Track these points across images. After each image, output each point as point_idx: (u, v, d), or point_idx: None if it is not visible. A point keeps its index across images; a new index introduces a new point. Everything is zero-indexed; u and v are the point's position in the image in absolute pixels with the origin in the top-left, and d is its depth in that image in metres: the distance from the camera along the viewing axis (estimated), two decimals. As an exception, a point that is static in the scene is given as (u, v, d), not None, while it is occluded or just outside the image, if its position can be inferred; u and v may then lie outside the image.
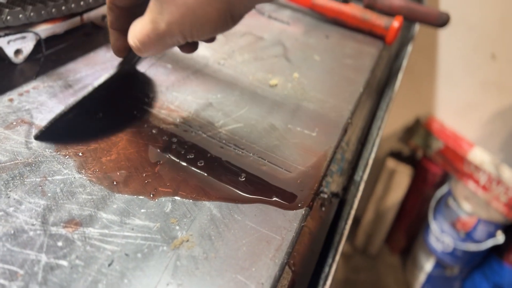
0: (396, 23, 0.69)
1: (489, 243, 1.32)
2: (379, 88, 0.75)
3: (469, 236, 1.33)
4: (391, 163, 1.55)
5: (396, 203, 1.60)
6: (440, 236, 1.40)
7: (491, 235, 1.32)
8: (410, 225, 1.63)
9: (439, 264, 1.45)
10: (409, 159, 1.58)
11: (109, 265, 0.31)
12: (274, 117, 0.49)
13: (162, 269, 0.31)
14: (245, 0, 0.31)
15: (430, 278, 1.50)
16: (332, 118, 0.51)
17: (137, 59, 0.46)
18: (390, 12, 0.74)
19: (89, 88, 0.41)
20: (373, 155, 0.56)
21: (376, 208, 1.64)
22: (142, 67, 0.53)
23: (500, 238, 1.31)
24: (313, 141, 0.47)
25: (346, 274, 1.63)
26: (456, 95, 1.39)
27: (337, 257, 0.45)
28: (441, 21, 0.74)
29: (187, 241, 0.34)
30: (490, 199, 1.31)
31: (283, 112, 0.50)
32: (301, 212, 0.38)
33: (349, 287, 1.58)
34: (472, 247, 1.34)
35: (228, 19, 0.31)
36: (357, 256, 1.72)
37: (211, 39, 0.40)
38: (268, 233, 0.35)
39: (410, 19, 0.75)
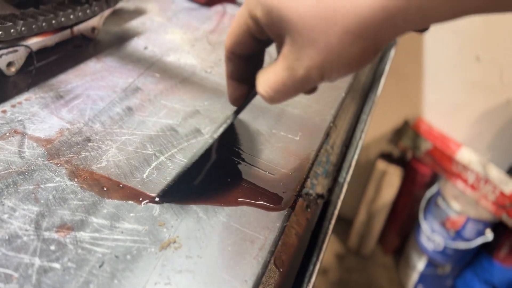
0: (377, 29, 0.71)
1: (479, 241, 1.34)
2: (364, 92, 0.77)
3: (459, 235, 1.35)
4: (381, 164, 1.57)
5: (387, 204, 1.62)
6: (431, 236, 1.42)
7: (480, 233, 1.34)
8: (402, 225, 1.65)
9: (431, 263, 1.48)
10: (399, 160, 1.60)
11: (100, 266, 0.33)
12: (259, 122, 0.51)
13: (150, 269, 0.33)
14: (392, 33, 0.27)
15: (422, 277, 1.53)
16: (315, 122, 0.53)
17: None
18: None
19: (209, 141, 0.39)
20: (356, 157, 0.58)
21: (368, 209, 1.66)
22: (130, 77, 0.55)
23: (489, 236, 1.33)
24: (296, 144, 0.49)
25: (340, 275, 1.65)
26: (443, 97, 1.41)
27: (321, 256, 0.46)
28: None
29: (174, 242, 0.35)
30: (478, 198, 1.34)
31: (268, 117, 0.52)
32: (283, 213, 0.40)
33: (343, 288, 1.60)
34: (462, 245, 1.36)
35: (371, 55, 0.29)
36: (350, 257, 1.74)
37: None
38: (252, 234, 0.37)
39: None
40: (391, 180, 1.56)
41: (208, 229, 0.37)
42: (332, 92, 0.60)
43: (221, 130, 0.39)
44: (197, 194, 0.40)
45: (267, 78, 0.32)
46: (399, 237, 1.69)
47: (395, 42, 0.86)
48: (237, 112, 0.40)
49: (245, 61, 0.36)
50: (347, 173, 0.56)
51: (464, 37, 1.30)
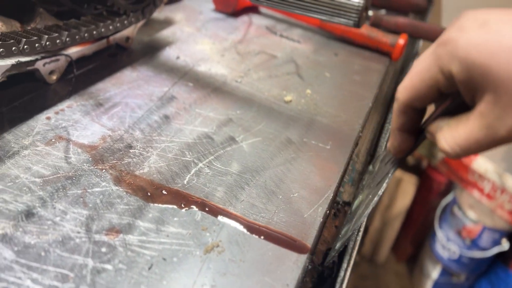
0: (401, 40, 0.72)
1: (495, 250, 1.34)
2: (386, 101, 0.78)
3: (474, 244, 1.35)
4: (396, 172, 1.58)
5: (402, 212, 1.63)
6: (446, 244, 1.42)
7: (496, 242, 1.35)
8: (416, 234, 1.65)
9: (445, 272, 1.48)
10: (415, 169, 1.61)
11: (149, 268, 0.34)
12: (290, 131, 0.53)
13: (196, 272, 0.35)
14: None
15: (436, 285, 1.53)
16: (344, 131, 0.54)
17: None
18: (395, 30, 0.78)
19: (375, 199, 0.38)
20: (382, 166, 0.59)
21: (382, 217, 1.67)
22: (165, 86, 0.57)
23: (505, 245, 1.33)
24: (327, 153, 0.50)
25: (353, 282, 1.65)
26: (460, 106, 1.42)
27: (352, 262, 0.48)
28: (444, 37, 0.77)
29: (217, 246, 0.37)
30: (494, 207, 1.34)
31: (298, 126, 0.54)
32: (319, 220, 0.41)
33: (357, 295, 1.60)
34: (477, 254, 1.36)
35: None
36: (364, 264, 1.74)
37: None
38: (291, 238, 0.39)
39: (414, 36, 0.79)
40: (406, 188, 1.57)
41: (249, 234, 0.38)
42: (359, 102, 0.61)
43: (384, 185, 0.38)
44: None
45: (457, 136, 0.30)
46: (412, 245, 1.69)
47: (417, 52, 0.87)
48: (398, 163, 0.39)
49: (419, 113, 0.35)
50: (373, 181, 0.57)
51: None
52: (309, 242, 0.39)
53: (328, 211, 0.43)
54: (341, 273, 0.48)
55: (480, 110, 0.28)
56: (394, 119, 0.36)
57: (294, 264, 0.37)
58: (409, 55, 0.91)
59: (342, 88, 0.64)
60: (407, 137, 0.36)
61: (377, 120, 0.71)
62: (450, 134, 0.31)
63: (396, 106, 0.34)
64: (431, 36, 0.78)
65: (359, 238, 0.51)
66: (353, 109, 0.59)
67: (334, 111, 0.58)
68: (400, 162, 0.39)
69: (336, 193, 0.46)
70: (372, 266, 1.74)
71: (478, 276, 1.46)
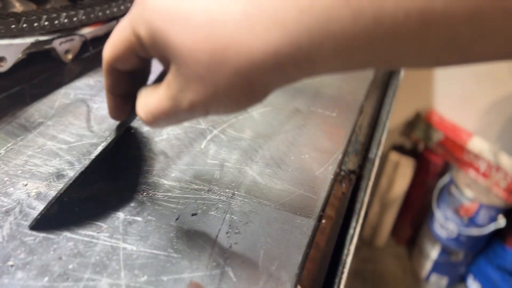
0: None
1: (491, 227, 1.38)
2: (384, 79, 0.81)
3: (472, 221, 1.39)
4: (394, 156, 1.61)
5: (400, 195, 1.66)
6: (445, 223, 1.46)
7: (493, 219, 1.38)
8: (414, 216, 1.69)
9: (444, 251, 1.51)
10: (412, 152, 1.64)
11: (176, 219, 0.37)
12: (297, 101, 0.55)
13: (220, 221, 0.37)
14: (283, 79, 0.26)
15: (436, 265, 1.56)
16: (349, 100, 0.57)
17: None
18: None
19: (86, 162, 0.37)
20: (384, 136, 0.62)
21: (381, 200, 1.70)
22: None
23: (501, 222, 1.37)
24: (334, 120, 0.53)
25: (354, 265, 1.69)
26: (454, 88, 1.45)
27: (360, 220, 0.51)
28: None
29: (237, 199, 0.40)
30: (490, 185, 1.37)
31: (305, 97, 0.56)
32: (330, 174, 0.44)
33: (358, 277, 1.64)
34: (475, 231, 1.40)
35: (261, 96, 0.27)
36: (364, 248, 1.78)
37: None
38: (303, 193, 0.42)
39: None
40: (403, 171, 1.60)
41: (266, 190, 0.41)
42: (360, 75, 0.64)
43: (100, 149, 0.37)
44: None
45: (149, 103, 0.29)
46: (411, 227, 1.73)
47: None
48: (120, 128, 0.38)
49: (127, 76, 0.32)
50: (377, 149, 0.60)
51: (473, 29, 1.33)
52: (321, 196, 0.42)
53: (338, 170, 0.46)
54: (343, 258, 0.51)
55: (167, 80, 0.27)
56: (104, 80, 0.33)
57: (312, 219, 0.39)
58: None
59: (344, 63, 0.66)
60: (118, 100, 0.34)
61: (376, 96, 0.74)
62: (144, 101, 0.30)
63: (103, 65, 0.32)
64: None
65: (360, 222, 0.54)
66: (355, 80, 0.62)
67: (338, 82, 0.61)
68: (122, 127, 0.37)
69: (345, 154, 0.49)
70: (372, 250, 1.78)
71: (476, 254, 1.50)
